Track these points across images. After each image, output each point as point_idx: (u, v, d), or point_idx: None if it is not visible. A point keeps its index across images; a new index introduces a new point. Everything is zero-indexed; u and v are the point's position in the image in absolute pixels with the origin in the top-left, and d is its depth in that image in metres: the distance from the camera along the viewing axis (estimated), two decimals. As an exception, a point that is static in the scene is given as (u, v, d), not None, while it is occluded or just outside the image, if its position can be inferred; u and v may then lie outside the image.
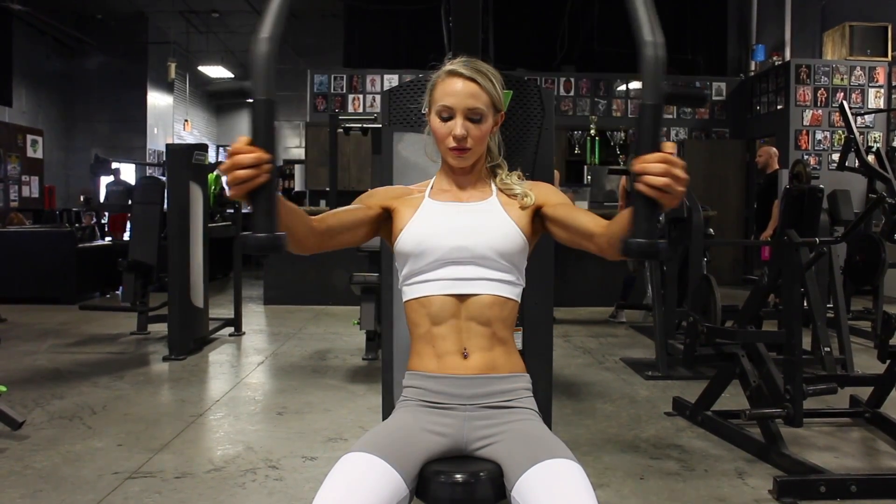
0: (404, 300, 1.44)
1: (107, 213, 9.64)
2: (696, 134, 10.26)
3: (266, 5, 1.09)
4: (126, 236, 9.10)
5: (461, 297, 1.37)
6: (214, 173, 8.73)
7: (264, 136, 1.04)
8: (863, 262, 4.28)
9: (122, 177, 11.01)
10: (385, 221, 1.47)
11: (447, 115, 1.38)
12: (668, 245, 1.04)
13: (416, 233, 1.40)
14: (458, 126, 1.37)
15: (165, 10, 12.19)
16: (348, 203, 1.49)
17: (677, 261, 4.86)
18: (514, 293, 1.41)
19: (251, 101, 1.05)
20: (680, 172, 1.00)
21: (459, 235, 1.38)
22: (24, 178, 10.69)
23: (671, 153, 1.02)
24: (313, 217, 1.33)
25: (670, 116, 10.29)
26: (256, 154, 1.02)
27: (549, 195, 1.46)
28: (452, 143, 1.39)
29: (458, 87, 1.38)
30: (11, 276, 6.99)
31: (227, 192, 1.04)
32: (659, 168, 0.99)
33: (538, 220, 1.46)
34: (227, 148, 1.02)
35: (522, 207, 1.43)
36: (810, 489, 2.47)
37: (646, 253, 1.03)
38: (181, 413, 3.49)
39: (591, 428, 3.31)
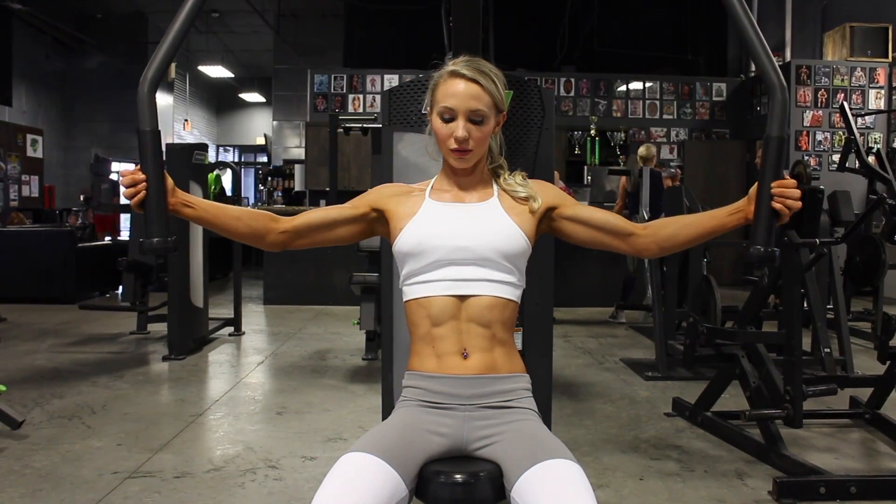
0: (404, 300, 1.44)
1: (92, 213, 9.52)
2: (697, 134, 10.26)
3: (154, 55, 1.33)
4: (123, 235, 9.07)
5: (461, 298, 1.37)
6: (214, 173, 8.71)
7: (150, 161, 1.30)
8: (863, 263, 4.28)
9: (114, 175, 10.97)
10: (376, 222, 1.48)
11: (449, 116, 1.38)
12: (780, 253, 1.28)
13: (416, 233, 1.40)
14: (459, 128, 1.37)
15: (165, 10, 12.16)
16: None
17: (677, 261, 4.86)
18: (514, 294, 1.41)
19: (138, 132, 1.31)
20: None
21: (460, 236, 1.38)
22: (24, 177, 10.69)
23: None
24: (285, 217, 1.45)
25: (670, 117, 10.29)
26: (131, 176, 1.30)
27: (558, 196, 1.48)
28: (454, 145, 1.38)
29: (460, 88, 1.37)
30: (11, 276, 6.98)
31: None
32: (797, 193, 1.25)
33: (545, 222, 1.46)
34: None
35: (532, 211, 1.43)
36: (810, 490, 2.47)
37: (766, 259, 1.26)
38: (181, 413, 3.48)
39: (590, 428, 3.31)
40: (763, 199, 1.26)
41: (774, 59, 1.30)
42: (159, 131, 1.33)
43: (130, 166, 13.28)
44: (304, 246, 1.47)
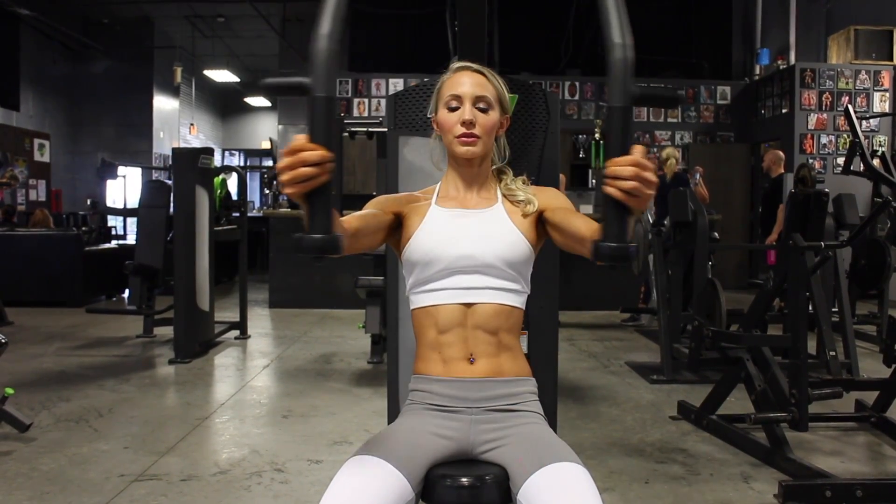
0: (411, 308, 1.44)
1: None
2: (701, 138, 10.25)
3: (323, 2, 1.06)
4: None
5: (467, 306, 1.38)
6: (220, 177, 8.74)
7: (324, 134, 1.02)
8: (868, 266, 4.28)
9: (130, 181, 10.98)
10: (396, 228, 1.45)
11: (456, 104, 1.39)
12: (637, 249, 1.03)
13: (425, 241, 1.40)
14: (466, 111, 1.38)
15: (171, 15, 12.23)
16: (354, 207, 1.50)
17: (683, 264, 4.86)
18: (519, 301, 1.42)
19: (309, 98, 1.03)
20: (649, 176, 0.99)
21: (466, 244, 1.39)
22: (32, 181, 10.75)
23: (641, 157, 1.00)
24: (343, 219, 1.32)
25: (675, 120, 10.28)
26: (321, 152, 0.99)
27: (552, 200, 1.46)
28: (461, 130, 1.38)
29: (466, 78, 1.41)
30: (19, 279, 7.00)
31: (282, 189, 1.03)
32: (628, 171, 0.98)
33: (541, 226, 1.46)
34: (285, 148, 1.01)
35: (525, 215, 1.43)
36: (816, 494, 2.47)
37: (617, 257, 1.03)
38: (187, 416, 3.50)
39: (596, 432, 3.31)
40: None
41: (625, 14, 1.03)
42: (335, 99, 1.05)
43: (137, 170, 13.32)
44: (351, 252, 1.29)
